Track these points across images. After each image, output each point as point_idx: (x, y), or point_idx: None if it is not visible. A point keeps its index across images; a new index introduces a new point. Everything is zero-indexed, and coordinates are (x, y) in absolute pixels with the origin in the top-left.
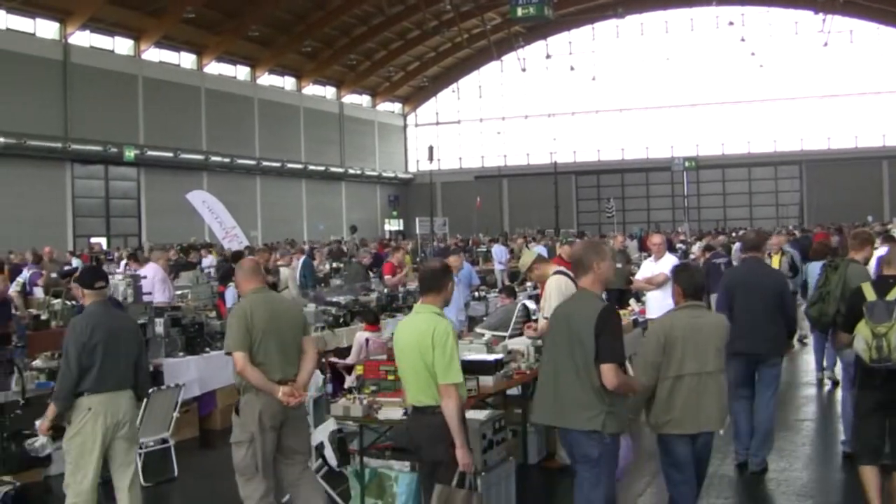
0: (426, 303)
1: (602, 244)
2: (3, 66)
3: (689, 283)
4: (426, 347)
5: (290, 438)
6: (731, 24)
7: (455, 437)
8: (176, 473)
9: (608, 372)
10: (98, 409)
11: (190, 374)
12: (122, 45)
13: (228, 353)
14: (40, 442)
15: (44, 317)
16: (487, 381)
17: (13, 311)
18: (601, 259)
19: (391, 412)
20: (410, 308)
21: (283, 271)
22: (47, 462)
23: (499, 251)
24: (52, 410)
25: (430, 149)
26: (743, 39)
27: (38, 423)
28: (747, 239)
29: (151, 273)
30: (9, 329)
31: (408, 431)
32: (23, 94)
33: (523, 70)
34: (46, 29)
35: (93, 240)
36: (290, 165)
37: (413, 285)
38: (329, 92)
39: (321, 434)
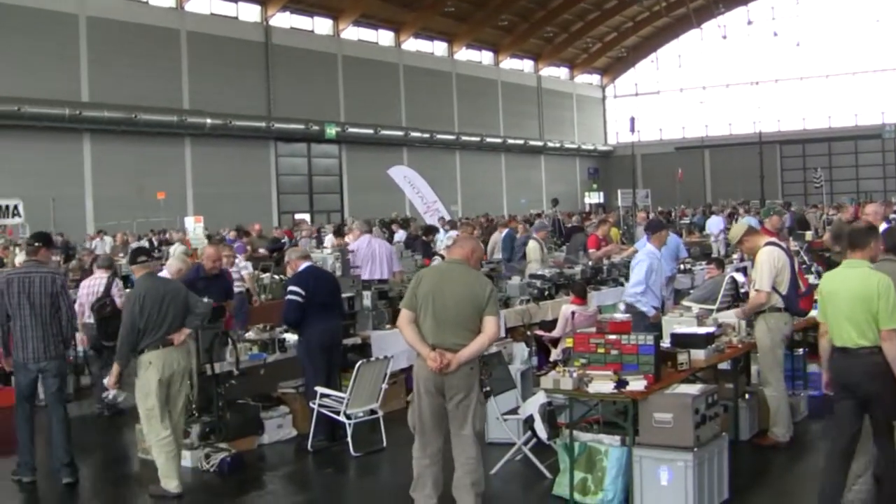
0: (855, 258)
1: None
2: (208, 49)
3: (890, 240)
4: (870, 297)
5: (452, 410)
6: None
7: None
8: (385, 444)
9: None
10: (156, 362)
11: (398, 346)
12: (321, 25)
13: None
14: (113, 394)
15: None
16: (699, 354)
17: (236, 286)
18: None
19: (602, 385)
20: (616, 281)
21: (530, 244)
22: (260, 431)
23: (715, 223)
24: (116, 368)
25: (632, 120)
26: None
27: (105, 380)
28: None
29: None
30: (226, 304)
31: (838, 370)
32: (228, 77)
33: (724, 37)
34: (248, 12)
35: (297, 216)
36: (489, 139)
37: (618, 258)
38: (527, 65)
39: (530, 407)
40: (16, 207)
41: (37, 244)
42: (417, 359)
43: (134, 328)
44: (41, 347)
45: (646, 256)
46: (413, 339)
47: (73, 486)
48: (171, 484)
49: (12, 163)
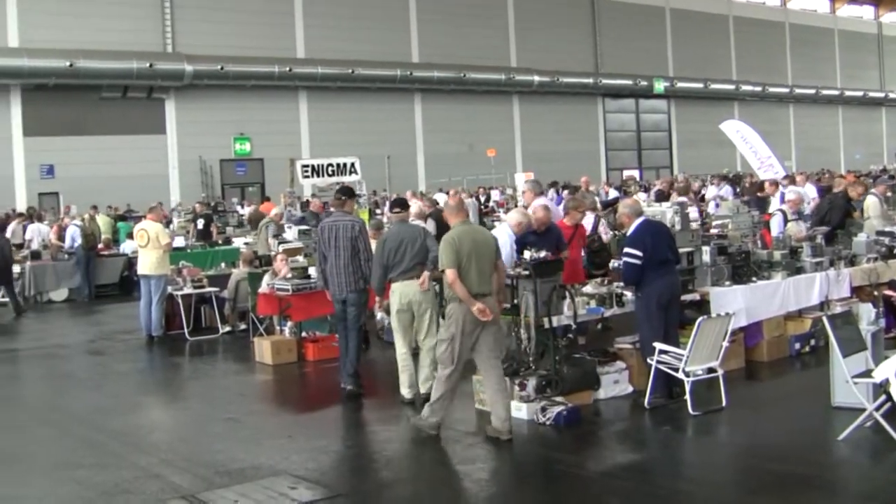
0: None
1: None
2: (535, 7)
3: None
4: None
5: (486, 340)
6: None
7: None
8: (725, 403)
9: None
10: (396, 290)
11: (737, 303)
12: None
13: (441, 271)
14: (380, 316)
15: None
16: None
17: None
18: None
19: None
20: None
21: (869, 199)
22: (597, 385)
23: None
24: (374, 296)
25: None
26: None
27: (375, 307)
28: None
29: None
30: (560, 256)
31: None
32: (555, 34)
33: None
34: None
35: (625, 172)
36: (824, 92)
37: None
38: (866, 12)
39: (886, 369)
40: (353, 165)
41: (343, 197)
42: (460, 306)
43: (381, 263)
44: (344, 282)
45: None
46: (464, 295)
47: (356, 396)
48: (403, 390)
49: (349, 123)
